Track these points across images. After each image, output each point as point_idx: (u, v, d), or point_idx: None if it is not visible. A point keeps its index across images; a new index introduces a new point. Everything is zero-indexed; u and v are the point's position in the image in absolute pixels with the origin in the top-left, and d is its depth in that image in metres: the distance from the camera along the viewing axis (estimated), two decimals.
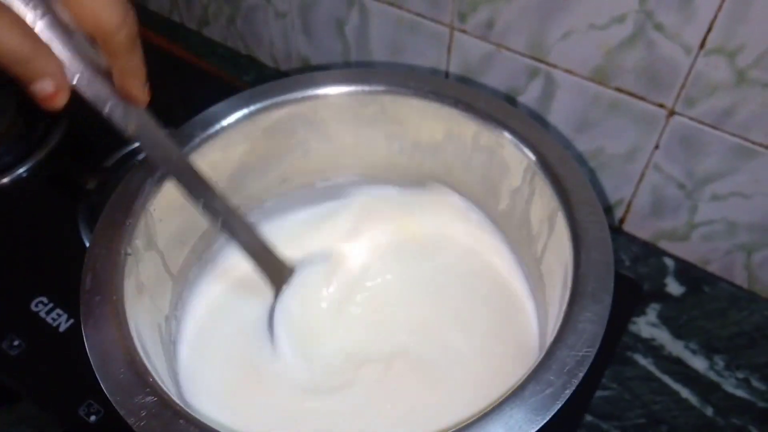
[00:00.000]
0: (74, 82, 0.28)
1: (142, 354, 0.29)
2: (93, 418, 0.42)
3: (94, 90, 0.29)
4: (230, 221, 0.35)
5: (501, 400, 0.26)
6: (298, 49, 0.64)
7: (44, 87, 0.27)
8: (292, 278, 0.39)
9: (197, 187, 0.33)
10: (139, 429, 0.26)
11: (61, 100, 0.28)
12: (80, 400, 0.42)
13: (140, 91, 0.31)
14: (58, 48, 0.27)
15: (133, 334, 0.30)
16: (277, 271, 0.38)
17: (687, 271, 0.52)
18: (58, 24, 0.26)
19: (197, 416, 0.27)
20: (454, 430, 0.25)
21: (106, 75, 0.29)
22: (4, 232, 0.53)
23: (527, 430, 0.25)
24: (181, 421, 0.26)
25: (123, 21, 0.27)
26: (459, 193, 0.44)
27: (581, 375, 0.27)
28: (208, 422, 0.27)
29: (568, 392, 0.26)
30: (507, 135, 0.36)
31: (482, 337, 0.39)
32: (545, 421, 0.25)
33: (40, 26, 0.26)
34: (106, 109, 0.29)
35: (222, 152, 0.39)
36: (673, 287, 0.51)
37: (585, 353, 0.27)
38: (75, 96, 0.29)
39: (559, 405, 0.26)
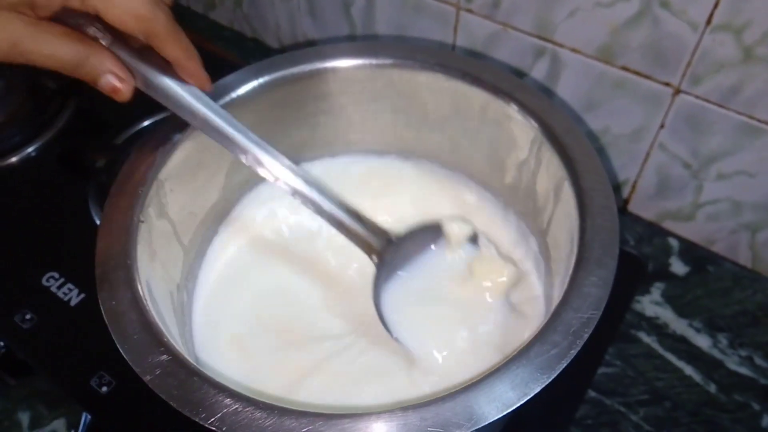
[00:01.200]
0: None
1: (155, 316, 0.29)
2: (105, 389, 0.42)
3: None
4: (316, 195, 0.34)
5: (508, 359, 0.26)
6: (305, 31, 0.64)
7: (107, 82, 0.29)
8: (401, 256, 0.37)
9: (275, 167, 0.33)
10: (155, 386, 0.26)
11: (127, 91, 0.30)
12: (92, 371, 0.43)
13: (199, 73, 0.32)
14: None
15: (146, 297, 0.30)
16: (372, 237, 0.35)
17: (691, 251, 0.52)
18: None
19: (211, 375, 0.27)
20: (464, 386, 0.26)
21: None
22: (16, 210, 0.53)
23: (533, 387, 0.25)
24: (195, 378, 0.27)
25: (153, 13, 0.29)
26: (464, 172, 0.45)
27: (586, 336, 0.27)
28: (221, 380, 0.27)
29: (573, 352, 0.26)
30: (514, 107, 0.37)
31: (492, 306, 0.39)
32: (551, 379, 0.26)
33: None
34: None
35: None
36: (678, 267, 0.52)
37: (590, 315, 0.27)
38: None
39: (564, 364, 0.26)
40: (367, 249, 0.35)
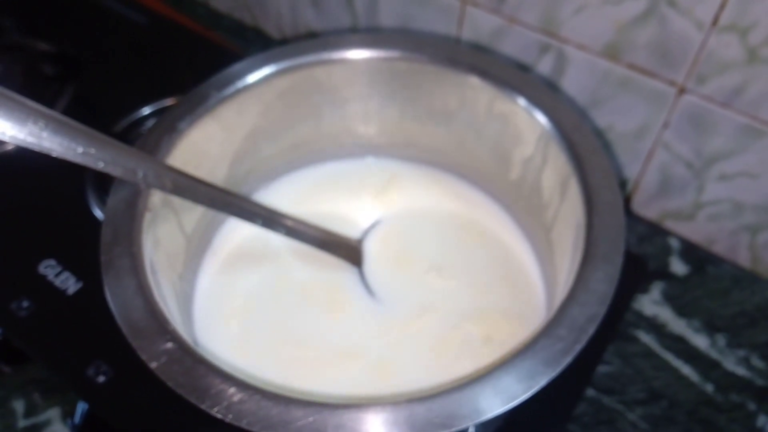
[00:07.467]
0: (101, 167, 0.30)
1: (161, 304, 0.29)
2: (101, 378, 0.42)
3: (121, 167, 0.30)
4: (293, 228, 0.38)
5: (514, 353, 0.26)
6: (306, 20, 0.64)
7: None
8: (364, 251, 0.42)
9: (250, 213, 0.36)
10: (161, 373, 0.26)
11: None
12: (88, 360, 0.43)
13: None
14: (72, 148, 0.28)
15: (152, 284, 0.30)
16: (349, 249, 0.42)
17: (691, 252, 0.53)
18: (63, 126, 0.28)
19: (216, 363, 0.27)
20: (468, 379, 0.26)
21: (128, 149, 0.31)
22: (12, 196, 0.53)
23: (538, 380, 0.26)
24: (201, 366, 0.26)
25: None
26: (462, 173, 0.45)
27: (591, 331, 0.27)
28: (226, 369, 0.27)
29: (578, 347, 0.26)
30: (522, 102, 0.36)
31: (489, 303, 0.40)
32: (557, 373, 0.26)
33: (45, 135, 0.27)
34: (140, 178, 0.31)
35: (237, 114, 0.39)
36: (678, 267, 0.52)
37: (596, 311, 0.28)
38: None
39: (570, 359, 0.26)
40: (353, 260, 0.41)
